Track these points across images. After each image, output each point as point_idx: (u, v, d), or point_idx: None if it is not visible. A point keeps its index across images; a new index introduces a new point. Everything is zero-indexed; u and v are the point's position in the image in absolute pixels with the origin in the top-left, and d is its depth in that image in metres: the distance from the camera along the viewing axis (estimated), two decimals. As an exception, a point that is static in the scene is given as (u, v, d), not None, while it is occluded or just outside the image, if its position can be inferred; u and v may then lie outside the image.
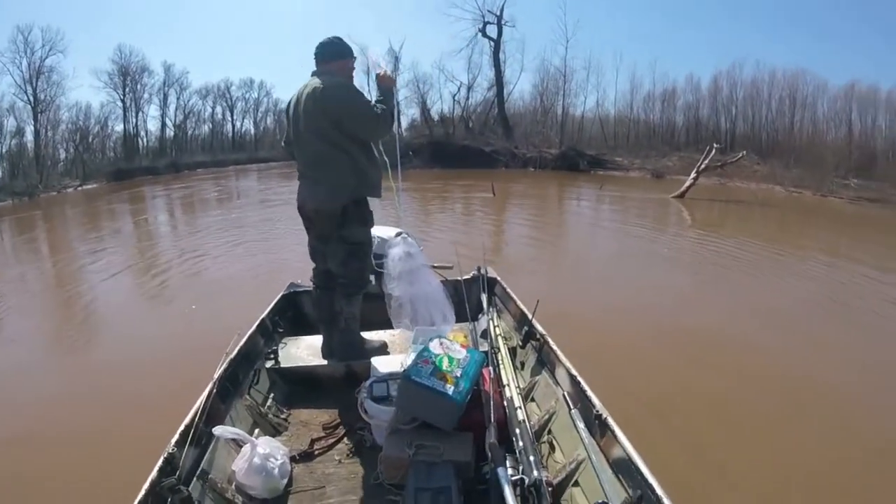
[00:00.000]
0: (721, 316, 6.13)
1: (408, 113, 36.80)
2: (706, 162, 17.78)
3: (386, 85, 3.00)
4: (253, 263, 8.99)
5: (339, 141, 2.82)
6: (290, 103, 3.01)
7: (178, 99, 44.86)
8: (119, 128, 40.70)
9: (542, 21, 68.29)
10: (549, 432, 2.49)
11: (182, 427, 2.17)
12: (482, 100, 35.56)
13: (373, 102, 2.88)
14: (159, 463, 1.95)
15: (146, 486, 1.85)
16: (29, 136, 33.89)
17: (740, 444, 3.57)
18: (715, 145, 18.57)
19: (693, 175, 17.47)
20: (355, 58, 3.05)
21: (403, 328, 3.18)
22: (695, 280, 7.85)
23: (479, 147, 29.46)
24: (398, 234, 3.95)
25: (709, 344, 5.23)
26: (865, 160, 24.18)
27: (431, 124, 34.23)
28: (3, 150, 32.67)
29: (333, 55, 2.95)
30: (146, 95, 42.31)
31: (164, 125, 43.99)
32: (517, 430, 2.12)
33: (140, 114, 42.21)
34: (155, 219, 17.29)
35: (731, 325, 5.78)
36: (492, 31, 33.46)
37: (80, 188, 30.09)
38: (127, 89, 40.61)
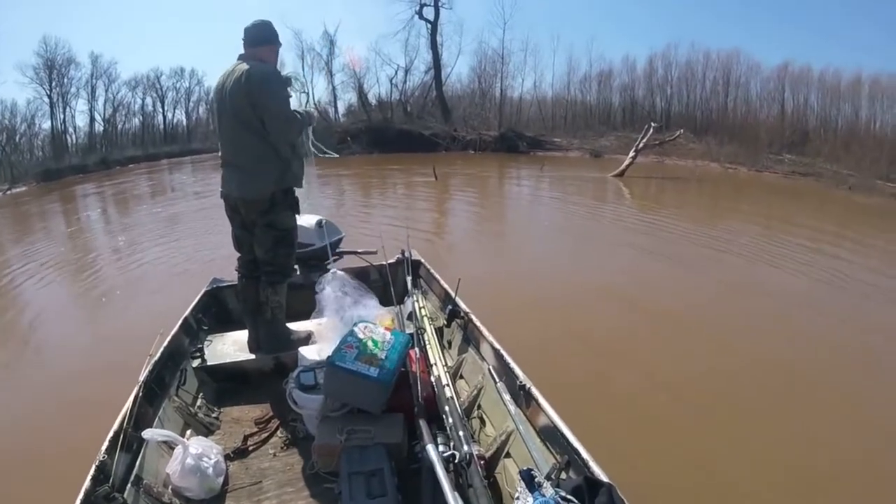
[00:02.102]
0: (654, 284, 6.39)
1: (344, 98, 36.34)
2: (644, 140, 18.17)
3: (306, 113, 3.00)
4: (181, 259, 8.81)
5: (262, 131, 2.77)
6: (214, 88, 2.93)
7: (106, 91, 42.25)
8: (47, 125, 38.41)
9: (479, 2, 67.74)
10: (479, 407, 2.54)
11: (111, 433, 2.12)
12: (420, 83, 35.14)
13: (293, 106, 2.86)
14: (91, 471, 1.91)
15: (80, 496, 1.81)
16: None
17: (662, 405, 3.76)
18: (652, 124, 18.93)
19: (632, 154, 17.84)
20: (281, 44, 3.00)
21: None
22: (629, 253, 8.06)
23: (419, 131, 29.12)
24: (318, 222, 3.95)
25: (633, 311, 5.46)
26: (798, 137, 25.36)
27: (369, 109, 33.60)
28: None
29: (262, 40, 2.88)
30: (73, 89, 39.75)
31: (92, 120, 41.53)
32: (446, 408, 2.16)
33: (68, 109, 39.73)
34: (87, 218, 16.65)
35: (661, 295, 6.02)
36: (429, 13, 33.01)
37: (8, 192, 28.56)
38: (53, 84, 38.21)
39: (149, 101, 46.68)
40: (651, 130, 18.34)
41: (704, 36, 54.27)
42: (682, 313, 5.42)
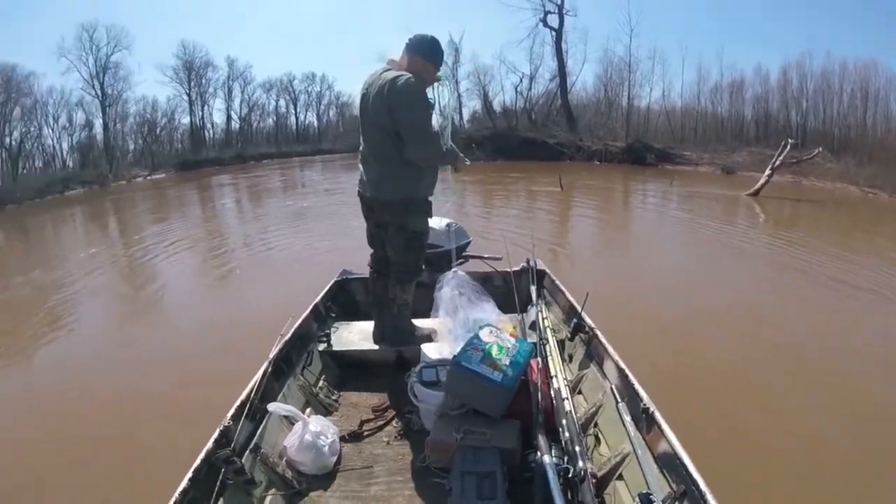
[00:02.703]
0: (789, 322, 5.89)
1: (469, 105, 36.65)
2: (781, 158, 16.97)
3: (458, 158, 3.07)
4: (308, 249, 9.26)
5: (400, 140, 2.78)
6: (361, 87, 2.95)
7: (242, 92, 46.06)
8: (186, 120, 42.38)
9: (604, 10, 66.24)
10: (595, 425, 2.47)
11: (238, 402, 2.27)
12: (545, 91, 34.81)
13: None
14: (215, 435, 2.05)
15: (202, 455, 1.95)
16: (98, 128, 36.04)
17: (792, 446, 3.50)
18: (789, 141, 17.61)
19: (768, 172, 16.69)
20: (438, 63, 2.96)
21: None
22: (763, 285, 7.50)
23: (543, 139, 28.83)
24: (448, 225, 4.00)
25: (768, 346, 5.07)
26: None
27: (494, 116, 33.84)
28: (74, 142, 35.19)
29: (422, 50, 2.86)
30: (211, 89, 43.71)
31: (229, 118, 45.47)
32: (563, 421, 2.11)
33: (206, 107, 43.73)
34: (221, 205, 17.87)
35: (796, 331, 5.56)
36: (553, 20, 32.61)
37: (148, 177, 31.70)
38: (192, 83, 42.05)
39: (282, 102, 49.91)
40: (788, 148, 17.03)
41: (839, 45, 48.87)
42: (821, 356, 4.94)
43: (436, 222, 3.62)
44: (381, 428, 2.61)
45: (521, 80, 34.51)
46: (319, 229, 11.13)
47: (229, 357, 4.36)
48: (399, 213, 2.97)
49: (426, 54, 2.87)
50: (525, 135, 29.87)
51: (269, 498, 2.11)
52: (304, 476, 2.25)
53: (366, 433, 2.57)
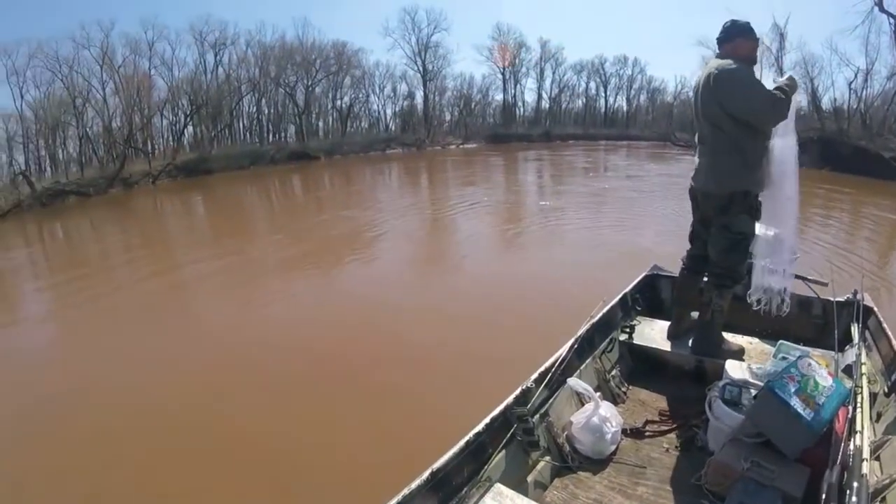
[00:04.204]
0: None
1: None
2: None
3: (790, 83, 2.79)
4: (615, 238, 9.20)
5: (731, 130, 2.77)
6: (694, 84, 3.03)
7: (553, 73, 48.21)
8: (499, 97, 46.44)
9: None
10: (884, 500, 2.18)
11: (542, 369, 2.46)
12: (881, 91, 28.56)
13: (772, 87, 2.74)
14: (516, 392, 2.27)
15: (501, 407, 2.18)
16: (419, 99, 42.25)
17: None
18: None
19: None
20: (752, 36, 2.88)
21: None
22: None
23: (878, 152, 24.19)
24: (776, 235, 3.71)
25: None
26: None
27: (822, 116, 28.91)
28: (397, 109, 42.00)
29: (723, 38, 2.90)
30: (524, 69, 46.70)
31: (539, 97, 48.28)
32: (854, 484, 1.90)
33: (518, 86, 47.09)
34: (524, 178, 18.68)
35: None
36: (891, 6, 25.55)
37: (461, 146, 35.26)
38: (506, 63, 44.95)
39: (592, 85, 50.69)
40: None
41: None
42: None
43: (761, 230, 3.41)
44: (663, 433, 2.61)
45: (855, 76, 28.79)
46: (615, 216, 11.08)
47: (529, 330, 4.64)
48: (722, 210, 2.90)
49: (740, 34, 2.86)
50: (857, 143, 25.19)
51: (542, 463, 2.28)
52: (579, 454, 2.37)
53: (647, 433, 2.59)
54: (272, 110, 35.25)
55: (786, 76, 2.83)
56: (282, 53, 34.60)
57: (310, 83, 35.56)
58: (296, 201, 16.39)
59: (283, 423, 3.99)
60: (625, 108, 51.64)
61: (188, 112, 30.12)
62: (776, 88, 2.71)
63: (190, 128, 31.12)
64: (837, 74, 31.03)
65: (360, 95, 39.68)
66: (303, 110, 35.13)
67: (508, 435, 2.17)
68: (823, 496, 1.85)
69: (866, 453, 2.05)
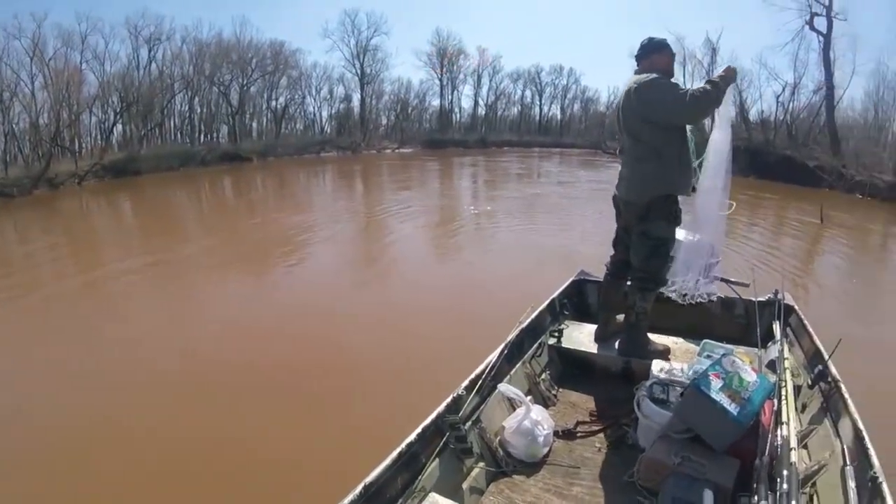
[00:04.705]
0: None
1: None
2: None
3: (726, 74, 2.86)
4: (544, 242, 9.35)
5: (650, 139, 2.88)
6: (617, 100, 3.18)
7: (490, 81, 48.88)
8: (435, 102, 46.74)
9: (879, 15, 56.55)
10: (813, 485, 2.26)
11: (472, 376, 2.44)
12: (807, 104, 30.56)
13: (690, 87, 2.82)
14: (447, 401, 2.25)
15: (432, 416, 2.15)
16: (355, 102, 41.85)
17: None
18: None
19: None
20: (668, 52, 3.03)
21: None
22: None
23: (803, 160, 25.40)
24: (698, 240, 3.81)
25: None
26: None
27: (750, 126, 30.69)
28: (333, 112, 41.27)
29: (641, 55, 3.04)
30: (461, 76, 47.25)
31: (476, 104, 48.97)
32: (784, 472, 1.95)
33: (455, 92, 47.56)
34: (459, 183, 18.81)
35: None
36: (820, 24, 27.94)
37: (396, 150, 35.23)
38: (444, 69, 45.86)
39: (528, 93, 51.72)
40: None
41: None
42: None
43: (683, 235, 3.49)
44: (594, 433, 2.62)
45: (783, 90, 30.77)
46: (546, 220, 11.27)
47: (456, 335, 4.64)
48: (641, 218, 2.99)
49: (656, 50, 3.01)
50: (783, 152, 26.68)
51: (477, 469, 2.25)
52: (513, 459, 2.35)
53: (579, 434, 2.60)
54: (205, 109, 34.00)
55: (724, 67, 2.92)
56: (218, 51, 33.60)
57: (245, 82, 34.72)
58: (227, 204, 16.01)
59: (212, 437, 3.84)
60: (559, 117, 53.01)
61: (118, 110, 28.68)
62: (706, 82, 2.79)
63: (119, 126, 29.68)
64: (766, 88, 33.00)
65: (296, 96, 39.06)
66: (236, 110, 34.20)
67: (441, 443, 2.14)
68: (755, 485, 1.89)
69: (794, 442, 2.10)
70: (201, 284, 7.24)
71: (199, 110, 33.71)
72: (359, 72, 40.76)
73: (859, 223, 16.23)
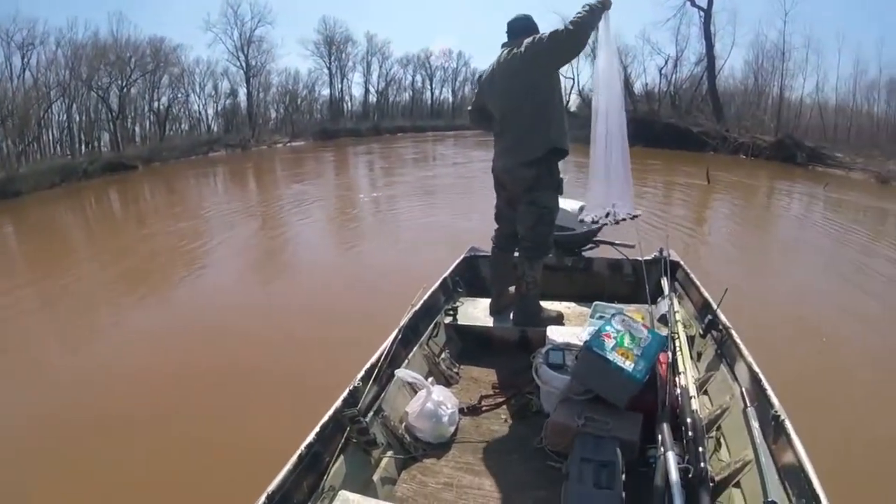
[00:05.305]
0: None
1: (616, 105, 35.44)
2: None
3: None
4: (439, 221, 9.42)
5: (536, 97, 2.91)
6: (484, 80, 3.17)
7: (380, 67, 48.26)
8: (325, 92, 45.06)
9: None
10: (718, 428, 2.35)
11: (367, 365, 2.37)
12: (689, 75, 32.56)
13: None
14: (344, 394, 2.16)
15: (330, 412, 2.06)
16: (242, 96, 39.16)
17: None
18: None
19: None
20: (535, 31, 3.05)
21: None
22: None
23: (687, 127, 26.92)
24: (581, 208, 3.92)
25: None
26: None
27: (635, 99, 32.10)
28: (219, 108, 38.45)
29: (521, 31, 3.02)
30: (350, 63, 46.10)
31: (367, 91, 47.91)
32: (688, 420, 2.01)
33: (345, 80, 46.24)
34: (355, 173, 18.60)
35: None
36: (702, 0, 29.99)
37: (288, 144, 34.14)
38: (332, 58, 44.53)
39: (418, 78, 51.60)
40: None
41: None
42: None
43: (568, 204, 3.56)
44: (499, 405, 2.62)
45: (665, 63, 32.64)
46: (445, 203, 11.32)
47: (351, 323, 4.55)
48: (530, 188, 3.01)
49: (530, 30, 3.01)
50: (667, 121, 28.03)
51: (385, 459, 2.19)
52: (421, 442, 2.31)
53: (484, 408, 2.59)
54: (84, 117, 30.68)
55: None
56: (94, 52, 30.49)
57: (125, 84, 31.78)
58: (116, 217, 15.00)
59: (114, 458, 3.56)
60: (451, 100, 53.15)
61: (-8, 126, 26.04)
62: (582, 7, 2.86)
63: (-6, 145, 26.86)
64: (649, 62, 34.79)
65: (180, 95, 36.14)
66: (117, 115, 31.50)
67: (343, 439, 2.06)
68: (660, 436, 1.91)
69: (693, 390, 2.17)
70: (85, 310, 6.70)
71: (78, 118, 30.51)
72: (244, 65, 38.47)
73: (743, 181, 17.35)
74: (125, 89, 31.90)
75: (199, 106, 37.76)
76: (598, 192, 3.16)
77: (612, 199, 3.13)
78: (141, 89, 33.42)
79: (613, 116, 3.10)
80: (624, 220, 3.20)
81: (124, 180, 21.90)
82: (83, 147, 30.19)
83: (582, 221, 3.31)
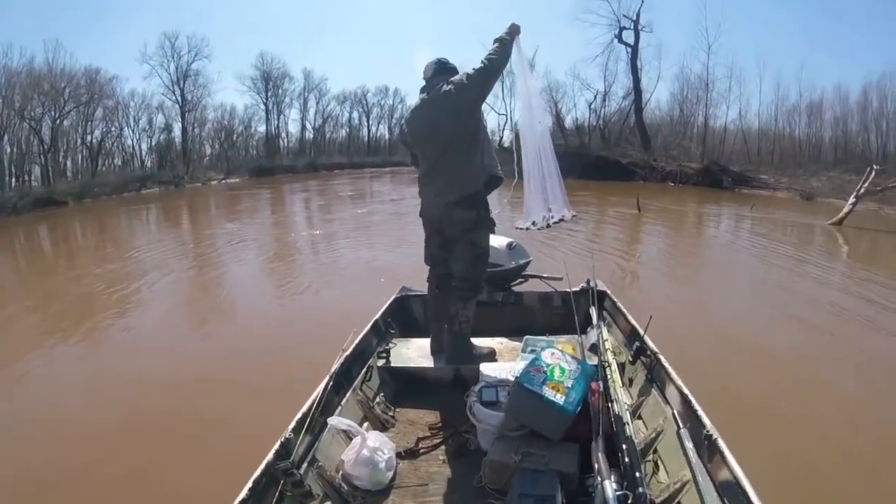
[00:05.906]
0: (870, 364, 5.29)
1: (542, 120, 36.50)
2: (865, 186, 15.90)
3: (510, 30, 3.05)
4: (369, 260, 9.41)
5: (465, 134, 2.97)
6: (407, 123, 3.24)
7: (317, 104, 48.64)
8: (262, 128, 45.04)
9: (681, 25, 64.52)
10: (655, 451, 2.39)
11: (299, 415, 2.30)
12: (617, 109, 34.27)
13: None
14: (276, 447, 2.08)
15: (262, 466, 1.98)
16: (177, 132, 38.64)
17: (858, 479, 3.33)
18: (874, 167, 16.46)
19: (852, 200, 15.48)
20: (454, 73, 3.12)
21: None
22: (837, 322, 6.66)
23: (616, 158, 28.11)
24: (509, 244, 4.02)
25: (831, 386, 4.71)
26: None
27: (566, 133, 33.47)
28: (153, 143, 37.87)
29: (438, 73, 3.08)
30: (287, 100, 46.31)
31: (303, 128, 48.20)
32: (623, 446, 2.04)
33: (281, 116, 46.35)
34: (291, 211, 18.39)
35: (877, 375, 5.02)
36: (628, 37, 31.72)
37: (223, 181, 33.56)
38: (269, 93, 44.50)
39: (355, 115, 52.34)
40: (873, 174, 15.92)
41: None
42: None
43: (496, 241, 3.61)
44: (437, 446, 2.59)
45: (594, 98, 34.14)
46: (381, 240, 11.32)
47: (286, 369, 4.45)
48: (470, 229, 3.03)
49: (446, 71, 3.08)
50: (598, 153, 29.19)
51: None
52: (360, 491, 2.24)
53: (422, 450, 2.55)
54: (15, 149, 29.26)
55: (507, 27, 3.07)
56: (29, 81, 29.10)
57: (58, 116, 30.37)
58: (45, 256, 14.31)
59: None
60: (387, 137, 53.92)
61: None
62: (494, 41, 3.00)
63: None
64: (579, 97, 36.16)
65: (113, 129, 35.34)
66: (49, 148, 30.01)
67: (277, 493, 1.99)
68: (596, 465, 1.91)
69: (626, 417, 2.20)
70: (10, 359, 6.31)
71: (8, 150, 28.94)
72: (179, 99, 37.92)
73: (672, 207, 17.98)
74: (58, 121, 30.60)
75: (132, 140, 37.10)
76: (534, 199, 3.23)
77: (547, 204, 3.22)
78: (74, 121, 32.32)
79: (538, 128, 3.28)
80: (560, 221, 3.29)
81: (55, 216, 21.04)
82: (13, 181, 28.73)
83: (518, 229, 3.35)
